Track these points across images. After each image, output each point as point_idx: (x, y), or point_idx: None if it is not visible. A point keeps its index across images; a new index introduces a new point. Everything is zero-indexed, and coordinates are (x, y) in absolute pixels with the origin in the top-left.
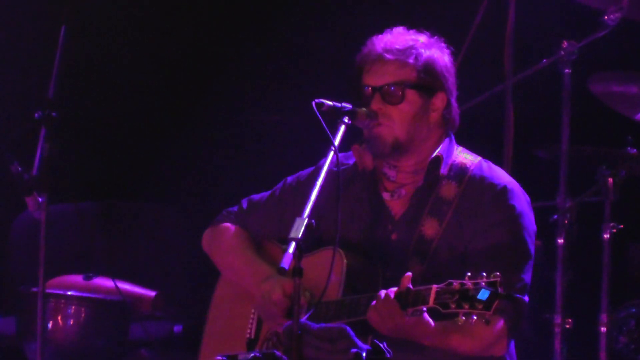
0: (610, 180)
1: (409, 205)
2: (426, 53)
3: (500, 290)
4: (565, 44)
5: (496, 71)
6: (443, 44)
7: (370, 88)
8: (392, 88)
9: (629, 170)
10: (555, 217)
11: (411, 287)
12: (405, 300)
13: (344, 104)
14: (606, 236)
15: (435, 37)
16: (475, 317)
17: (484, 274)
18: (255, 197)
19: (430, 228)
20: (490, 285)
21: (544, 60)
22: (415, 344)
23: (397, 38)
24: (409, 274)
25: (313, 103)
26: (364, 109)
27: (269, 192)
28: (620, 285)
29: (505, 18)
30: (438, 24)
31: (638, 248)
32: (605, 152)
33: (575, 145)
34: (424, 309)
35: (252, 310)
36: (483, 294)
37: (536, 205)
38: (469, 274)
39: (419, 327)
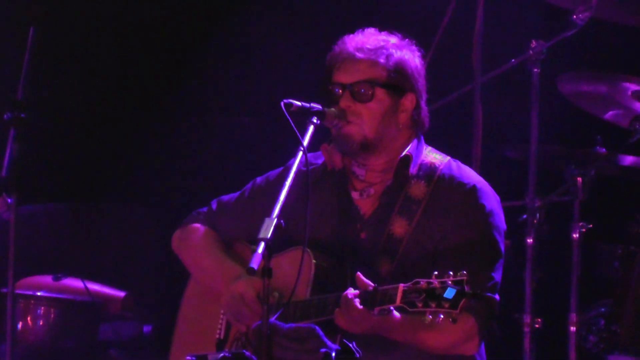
0: (580, 179)
1: (378, 205)
2: (397, 54)
3: (467, 288)
4: (534, 43)
5: (465, 70)
6: (414, 47)
7: (340, 86)
8: (362, 86)
9: (598, 169)
10: (525, 216)
11: (376, 286)
12: (373, 299)
13: (312, 104)
14: (575, 236)
15: (407, 39)
16: (442, 316)
17: (451, 272)
18: (225, 197)
19: (399, 227)
20: (456, 283)
21: (513, 60)
22: (385, 343)
23: (368, 38)
24: (358, 273)
25: (282, 103)
26: (333, 109)
27: (239, 192)
28: (589, 285)
29: (474, 17)
30: (407, 23)
31: (607, 247)
32: (575, 151)
33: (544, 145)
34: (392, 308)
35: (222, 311)
36: (449, 293)
37: (505, 205)
38: (436, 272)
39: (387, 324)
